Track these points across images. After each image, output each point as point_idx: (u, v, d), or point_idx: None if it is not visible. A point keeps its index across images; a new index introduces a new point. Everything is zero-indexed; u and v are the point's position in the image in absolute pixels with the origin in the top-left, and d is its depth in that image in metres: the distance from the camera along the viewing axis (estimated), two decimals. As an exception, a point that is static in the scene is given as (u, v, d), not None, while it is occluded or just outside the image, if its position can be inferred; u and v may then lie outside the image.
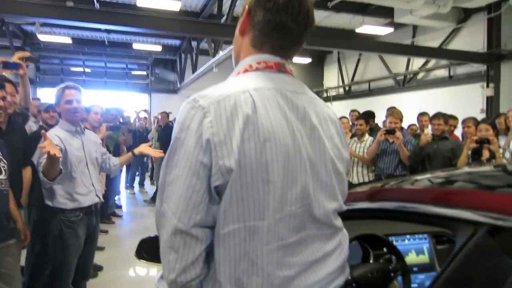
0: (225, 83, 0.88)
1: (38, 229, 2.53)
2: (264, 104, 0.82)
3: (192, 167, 0.78)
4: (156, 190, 7.74)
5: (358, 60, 12.63)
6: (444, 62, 9.12)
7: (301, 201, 0.84)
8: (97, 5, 8.15)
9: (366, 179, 4.59)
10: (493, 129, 3.73)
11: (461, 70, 8.95)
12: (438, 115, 4.23)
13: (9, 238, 2.14)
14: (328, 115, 0.96)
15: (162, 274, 0.85)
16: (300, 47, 0.96)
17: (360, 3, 8.21)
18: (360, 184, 4.37)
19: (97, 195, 2.62)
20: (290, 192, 0.82)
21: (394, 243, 1.28)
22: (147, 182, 9.49)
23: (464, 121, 4.41)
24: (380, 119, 6.49)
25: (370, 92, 12.03)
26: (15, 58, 2.60)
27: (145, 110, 9.71)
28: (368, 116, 5.12)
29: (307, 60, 13.39)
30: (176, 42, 13.14)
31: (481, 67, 8.35)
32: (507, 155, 3.93)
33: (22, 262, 2.58)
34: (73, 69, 14.16)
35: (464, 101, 8.35)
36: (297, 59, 12.61)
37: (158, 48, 12.89)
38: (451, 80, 9.16)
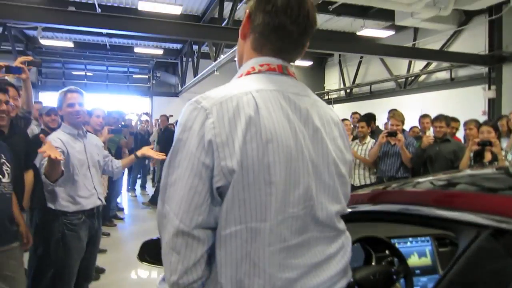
0: (227, 85, 0.88)
1: (41, 232, 2.54)
2: (266, 106, 0.82)
3: (194, 168, 0.78)
4: (154, 193, 7.73)
5: (360, 63, 12.63)
6: (445, 64, 9.11)
7: (304, 203, 0.84)
8: (98, 9, 8.19)
9: (368, 182, 4.58)
10: (495, 131, 3.72)
11: (463, 72, 8.94)
12: (440, 117, 4.22)
13: (13, 241, 2.14)
14: (331, 117, 0.96)
15: (163, 276, 0.85)
16: (302, 49, 0.96)
17: (361, 6, 8.22)
18: (361, 187, 4.36)
19: (99, 198, 2.63)
20: (293, 194, 0.82)
21: (396, 245, 1.28)
22: (148, 184, 9.49)
23: (466, 123, 4.39)
24: (381, 121, 6.48)
25: (372, 95, 12.03)
26: (17, 62, 2.61)
27: (146, 113, 9.73)
28: (369, 118, 5.11)
29: (308, 63, 13.41)
30: (178, 45, 13.17)
31: (482, 69, 8.34)
32: (509, 157, 3.91)
33: (25, 265, 2.59)
34: (75, 73, 14.20)
35: (465, 103, 8.34)
36: (298, 62, 12.61)
37: (160, 51, 12.93)
38: (452, 83, 9.15)
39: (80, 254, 2.52)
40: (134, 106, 12.71)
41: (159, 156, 2.91)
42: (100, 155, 2.77)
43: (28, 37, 11.84)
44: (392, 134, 4.18)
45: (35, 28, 9.28)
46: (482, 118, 6.82)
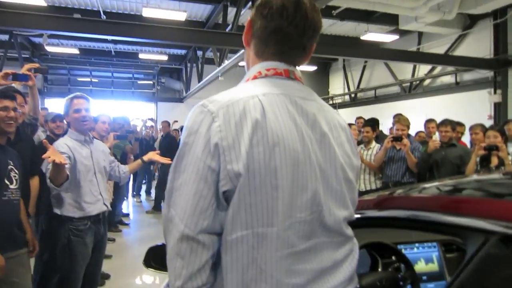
0: (234, 88, 0.88)
1: (46, 237, 2.55)
2: (273, 109, 0.82)
3: (200, 172, 0.77)
4: (156, 200, 7.70)
5: (364, 67, 12.63)
6: (450, 68, 9.08)
7: (311, 207, 0.83)
8: (103, 16, 8.26)
9: (373, 187, 4.56)
10: (502, 136, 3.69)
11: (468, 76, 8.90)
12: (446, 122, 4.20)
13: (21, 247, 2.16)
14: (338, 122, 0.95)
15: (168, 282, 0.85)
16: (304, 52, 0.94)
17: (364, 11, 8.23)
18: (367, 192, 4.34)
19: (104, 204, 2.64)
20: (300, 198, 0.81)
21: (403, 251, 1.27)
22: (153, 190, 9.50)
23: (471, 128, 4.36)
24: (386, 126, 6.46)
25: (376, 99, 12.01)
26: (24, 69, 2.64)
27: (151, 119, 9.77)
28: (374, 123, 5.11)
29: (312, 68, 13.42)
30: (182, 51, 13.24)
31: (488, 73, 8.31)
32: (516, 161, 3.88)
33: (31, 270, 2.59)
34: (80, 79, 14.29)
35: (471, 108, 8.30)
36: (302, 67, 12.59)
37: (164, 57, 12.99)
38: (457, 87, 9.11)
39: (85, 260, 2.52)
40: (139, 112, 12.77)
41: (165, 160, 2.92)
42: (106, 161, 2.78)
43: (34, 44, 11.96)
44: (397, 139, 4.16)
45: (41, 35, 9.36)
46: (488, 123, 6.79)
